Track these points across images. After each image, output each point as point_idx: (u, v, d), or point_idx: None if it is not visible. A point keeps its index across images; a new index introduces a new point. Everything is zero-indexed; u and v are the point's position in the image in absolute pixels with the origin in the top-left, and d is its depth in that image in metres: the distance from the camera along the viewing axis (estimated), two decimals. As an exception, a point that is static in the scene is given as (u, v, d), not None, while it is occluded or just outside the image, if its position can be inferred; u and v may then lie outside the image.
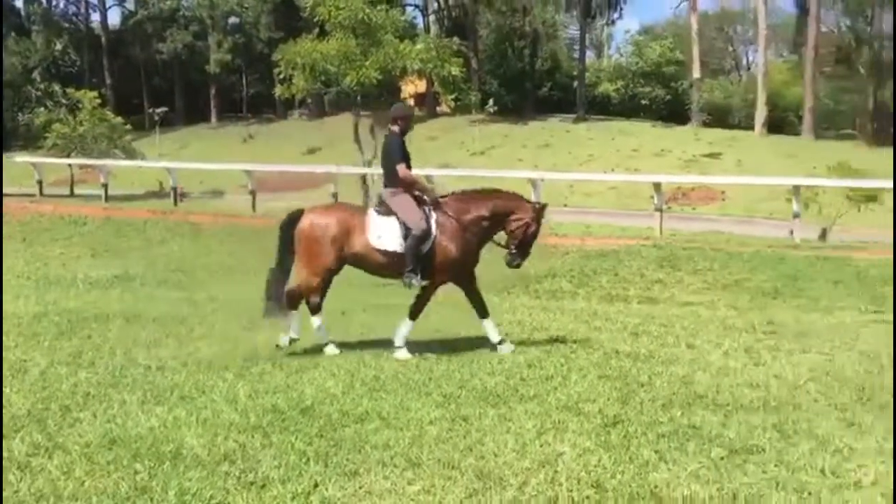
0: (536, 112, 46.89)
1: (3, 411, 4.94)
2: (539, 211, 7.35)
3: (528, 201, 7.54)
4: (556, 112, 47.48)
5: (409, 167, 7.31)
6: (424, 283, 7.10)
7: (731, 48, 73.50)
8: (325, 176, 23.12)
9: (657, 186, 17.71)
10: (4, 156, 29.47)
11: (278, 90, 22.75)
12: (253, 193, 21.76)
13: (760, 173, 26.27)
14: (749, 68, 65.95)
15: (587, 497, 3.83)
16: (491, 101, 44.61)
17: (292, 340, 7.16)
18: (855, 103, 48.76)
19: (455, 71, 21.87)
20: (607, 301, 11.13)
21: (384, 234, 7.02)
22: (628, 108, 50.64)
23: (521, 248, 7.31)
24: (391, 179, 7.25)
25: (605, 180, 27.84)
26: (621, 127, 41.80)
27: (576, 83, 49.95)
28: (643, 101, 51.15)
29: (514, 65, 49.62)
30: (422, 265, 7.03)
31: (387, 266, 7.11)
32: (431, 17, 54.72)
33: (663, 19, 65.85)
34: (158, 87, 59.26)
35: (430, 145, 38.32)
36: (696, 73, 45.57)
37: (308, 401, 5.29)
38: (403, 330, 7.08)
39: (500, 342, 7.25)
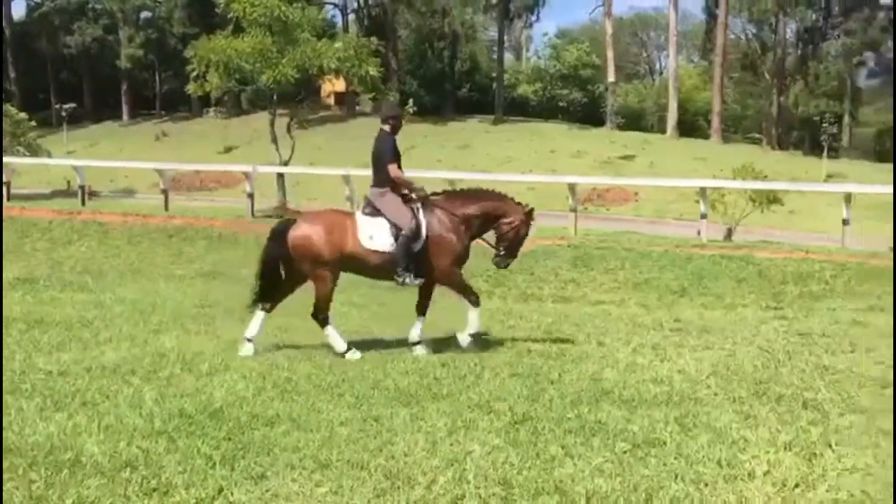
0: (456, 113, 47.23)
1: None
2: (529, 213, 7.46)
3: (518, 203, 7.57)
4: (475, 113, 47.93)
5: (399, 167, 7.28)
6: (418, 281, 7.18)
7: (644, 53, 75.64)
8: (241, 175, 22.72)
9: (572, 187, 18.07)
10: None
11: (191, 87, 22.25)
12: (165, 193, 21.22)
13: (671, 175, 27.11)
14: (662, 73, 67.97)
15: (493, 494, 3.89)
16: (410, 102, 44.70)
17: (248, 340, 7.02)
18: (760, 108, 50.84)
19: (373, 71, 21.81)
20: (522, 300, 11.30)
21: (375, 235, 7.04)
22: (546, 110, 51.53)
23: (511, 249, 7.48)
24: (380, 179, 7.22)
25: (523, 181, 28.20)
26: (539, 128, 42.51)
27: (495, 85, 50.52)
28: (561, 104, 52.13)
29: (434, 65, 49.86)
30: (414, 264, 7.07)
31: (379, 266, 7.11)
32: (351, 17, 54.45)
33: (580, 23, 67.15)
34: (66, 82, 57.21)
35: (351, 146, 38.13)
36: (611, 77, 46.73)
37: (217, 404, 5.20)
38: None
39: (416, 344, 7.27)
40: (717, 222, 17.78)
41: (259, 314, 7.06)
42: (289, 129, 22.37)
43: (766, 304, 10.49)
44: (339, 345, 7.01)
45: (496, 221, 7.39)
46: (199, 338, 7.47)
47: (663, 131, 44.71)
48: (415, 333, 7.30)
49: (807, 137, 43.91)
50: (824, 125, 36.00)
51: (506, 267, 7.69)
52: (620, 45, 59.02)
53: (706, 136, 44.27)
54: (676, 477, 4.12)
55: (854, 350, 7.44)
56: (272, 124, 22.42)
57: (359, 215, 7.21)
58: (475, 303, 7.35)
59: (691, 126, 48.45)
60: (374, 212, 7.14)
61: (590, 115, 49.72)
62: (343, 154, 35.57)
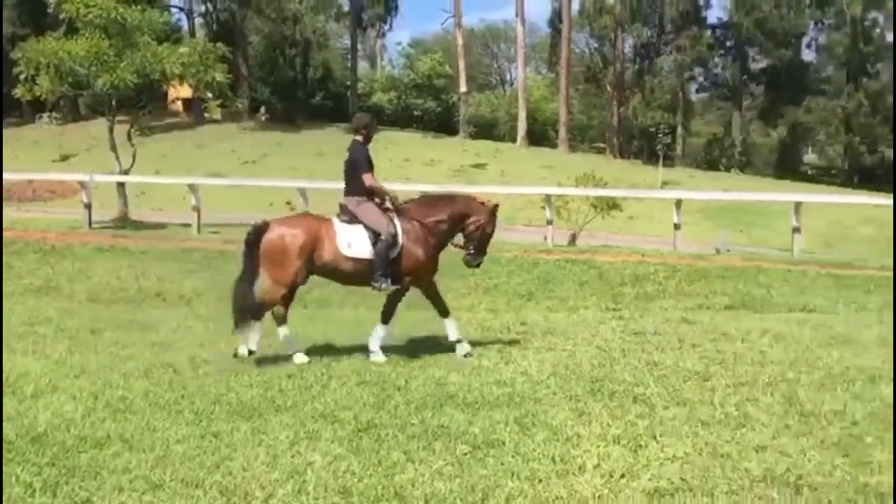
0: (310, 120, 46.69)
1: None
2: (493, 210, 7.72)
3: (482, 203, 7.81)
4: (330, 121, 47.57)
5: (373, 176, 7.58)
6: (395, 287, 7.42)
7: (496, 64, 77.74)
8: (77, 185, 21.47)
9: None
10: None
11: (19, 91, 20.79)
12: (-8, 204, 19.72)
13: (521, 183, 27.96)
14: (512, 84, 70.09)
15: (333, 503, 3.88)
16: (262, 109, 43.78)
17: (251, 352, 7.17)
18: (603, 119, 53.41)
19: (220, 77, 21.20)
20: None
21: (354, 242, 7.24)
22: (402, 119, 51.87)
23: (480, 247, 7.78)
24: (356, 188, 7.47)
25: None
26: (393, 137, 42.64)
27: (349, 93, 50.36)
28: (416, 113, 52.64)
29: (286, 73, 49.03)
30: (391, 270, 7.30)
31: (357, 273, 7.32)
32: (199, 21, 52.70)
33: (432, 33, 68.15)
34: None
35: (199, 153, 36.92)
36: (464, 87, 47.65)
37: (41, 427, 4.90)
38: (380, 333, 7.42)
39: (458, 341, 7.57)
40: (563, 228, 18.52)
41: (255, 325, 7.21)
42: (129, 137, 21.34)
43: (606, 305, 11.01)
44: (290, 345, 7.21)
45: (463, 223, 7.66)
46: (25, 358, 7.00)
47: (514, 140, 46.07)
48: (452, 332, 7.62)
49: (645, 147, 46.52)
50: (659, 136, 38.37)
51: (478, 265, 8.01)
52: (472, 55, 60.40)
53: (555, 146, 45.99)
54: (513, 475, 4.27)
55: (682, 346, 7.94)
56: (111, 131, 21.32)
57: (336, 223, 7.36)
58: (445, 313, 7.73)
59: (541, 135, 50.18)
60: (352, 219, 7.36)
61: (444, 124, 50.51)
62: (190, 162, 34.41)
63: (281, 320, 7.27)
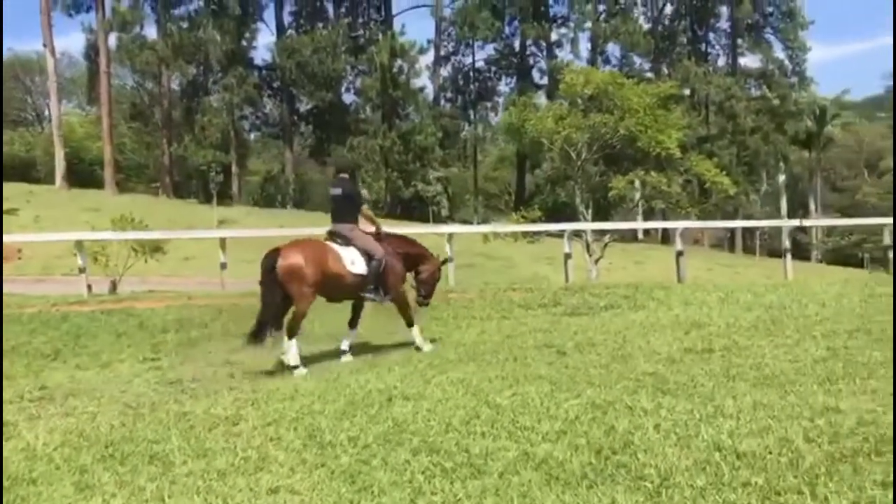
0: None
1: None
2: (442, 263, 9.84)
3: (432, 255, 9.70)
4: None
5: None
6: (387, 299, 9.06)
7: (30, 99, 70.30)
8: None
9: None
10: None
11: None
12: None
13: (60, 228, 25.38)
14: (51, 120, 63.94)
15: None
16: None
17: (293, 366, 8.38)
18: (155, 157, 51.44)
19: None
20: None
21: (355, 261, 8.62)
22: None
23: (429, 291, 9.59)
24: (350, 217, 8.90)
25: None
26: None
27: None
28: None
29: None
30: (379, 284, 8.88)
31: (355, 287, 8.73)
32: None
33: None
34: None
35: None
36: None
37: None
38: (415, 332, 9.24)
39: (419, 347, 9.16)
40: (102, 275, 17.08)
41: (291, 343, 8.41)
42: None
43: (144, 356, 10.25)
44: (293, 359, 8.39)
45: (417, 266, 9.39)
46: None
47: (54, 182, 41.89)
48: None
49: (201, 186, 45.81)
50: (211, 174, 38.08)
51: (426, 305, 9.78)
52: (4, 89, 53.67)
53: (102, 187, 42.90)
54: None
55: (218, 391, 7.62)
56: None
57: (335, 246, 8.71)
58: (410, 323, 9.27)
59: (88, 176, 46.47)
60: (346, 242, 8.74)
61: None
62: None
63: (293, 334, 8.42)
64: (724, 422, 5.23)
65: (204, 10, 47.84)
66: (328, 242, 8.75)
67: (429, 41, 56.78)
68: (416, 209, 50.73)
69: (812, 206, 58.04)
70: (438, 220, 48.93)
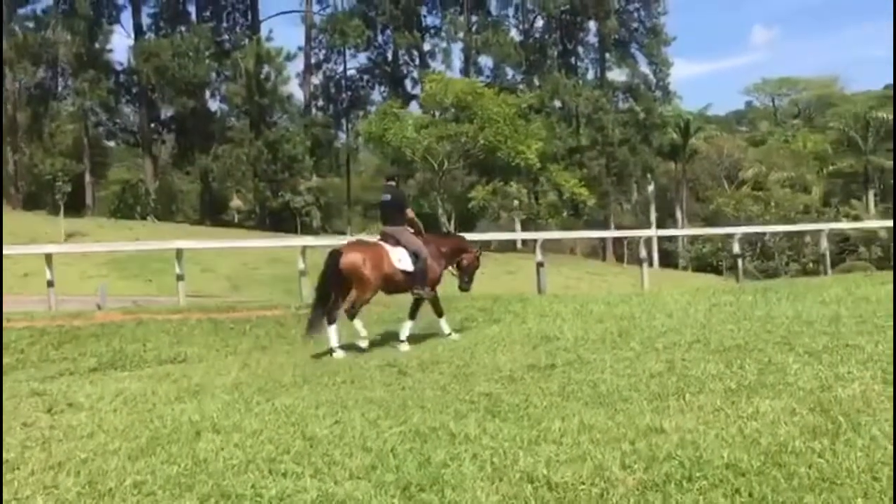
0: None
1: None
2: (479, 251, 11.12)
3: (471, 244, 11.29)
4: None
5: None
6: (432, 293, 10.23)
7: None
8: None
9: None
10: None
11: None
12: None
13: None
14: None
15: None
16: None
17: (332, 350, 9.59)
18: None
19: None
20: None
21: (402, 259, 9.84)
22: None
23: (470, 277, 10.90)
24: (398, 220, 10.16)
25: None
26: None
27: None
28: None
29: None
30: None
31: (404, 282, 9.96)
32: None
33: None
34: None
35: None
36: None
37: None
38: (443, 323, 10.44)
39: (448, 334, 10.24)
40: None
41: (332, 328, 9.65)
42: None
43: (-60, 387, 9.09)
44: (362, 332, 9.84)
45: (459, 256, 10.67)
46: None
47: None
48: (445, 328, 10.35)
49: (50, 197, 42.91)
50: (58, 184, 35.63)
51: (468, 290, 11.14)
52: None
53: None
54: None
55: (12, 427, 6.74)
56: None
57: (386, 245, 9.87)
58: (441, 314, 10.42)
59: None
60: (395, 243, 9.87)
61: None
62: None
63: (353, 316, 9.75)
64: (545, 448, 4.92)
65: (52, 10, 44.94)
66: (381, 243, 10.05)
67: (299, 48, 55.78)
68: (286, 220, 49.42)
69: (679, 216, 60.55)
70: (310, 231, 47.86)
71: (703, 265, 48.76)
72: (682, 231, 39.64)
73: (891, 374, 6.07)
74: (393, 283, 10.02)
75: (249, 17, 54.08)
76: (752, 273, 24.53)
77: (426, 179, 22.70)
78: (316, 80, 57.38)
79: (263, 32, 53.21)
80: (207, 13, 52.50)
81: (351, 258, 9.66)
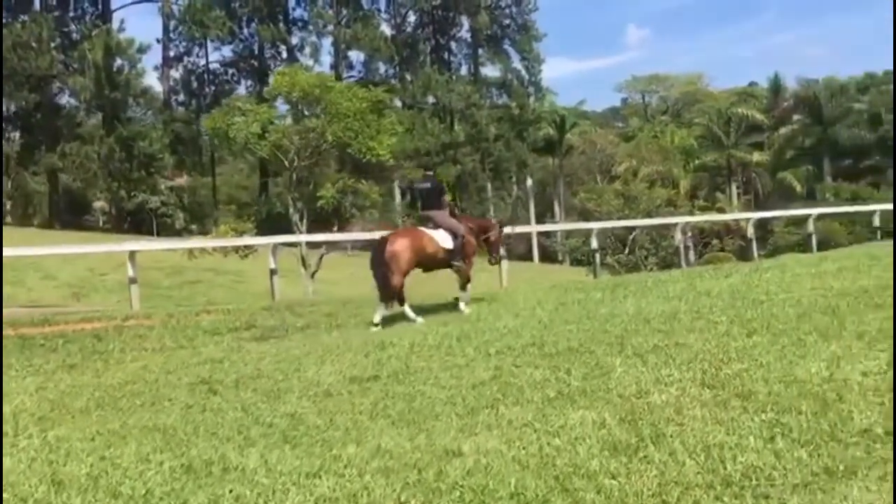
0: None
1: None
2: (501, 226, 12.93)
3: (492, 222, 13.13)
4: None
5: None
6: (468, 267, 11.76)
7: None
8: None
9: None
10: None
11: None
12: None
13: None
14: None
15: None
16: None
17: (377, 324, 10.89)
18: None
19: None
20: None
21: (443, 239, 11.36)
22: None
23: (496, 250, 12.65)
24: (437, 205, 11.77)
25: None
26: None
27: None
28: None
29: None
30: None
31: (445, 259, 11.46)
32: None
33: None
34: None
35: None
36: None
37: None
38: (465, 295, 11.78)
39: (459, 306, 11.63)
40: None
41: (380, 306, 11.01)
42: None
43: None
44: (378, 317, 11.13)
45: (485, 234, 12.22)
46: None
47: None
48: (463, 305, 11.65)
49: None
50: None
51: (498, 262, 14.20)
52: None
53: None
54: None
55: None
56: None
57: (426, 230, 11.46)
58: (466, 284, 11.83)
59: None
60: (435, 226, 11.47)
61: None
62: None
63: (399, 302, 11.26)
64: (323, 482, 4.31)
65: None
66: (421, 228, 11.46)
67: (158, 40, 53.06)
68: (146, 222, 46.85)
69: (557, 210, 61.46)
70: (172, 232, 45.59)
71: (580, 259, 49.53)
72: (534, 227, 39.93)
73: (710, 375, 5.86)
74: (436, 262, 11.52)
75: (100, 6, 50.88)
76: (613, 267, 24.87)
77: (280, 177, 21.76)
78: (176, 73, 54.79)
79: (116, 23, 50.18)
80: (53, 1, 49.03)
81: (394, 247, 11.04)
